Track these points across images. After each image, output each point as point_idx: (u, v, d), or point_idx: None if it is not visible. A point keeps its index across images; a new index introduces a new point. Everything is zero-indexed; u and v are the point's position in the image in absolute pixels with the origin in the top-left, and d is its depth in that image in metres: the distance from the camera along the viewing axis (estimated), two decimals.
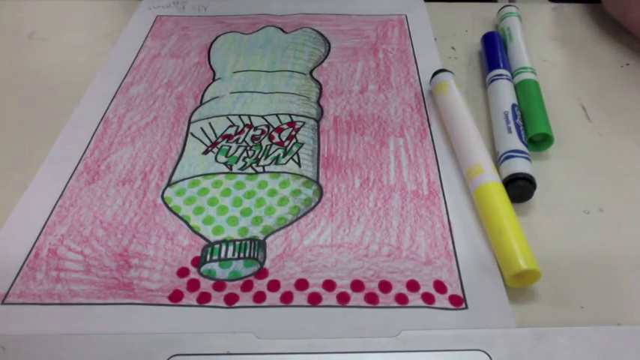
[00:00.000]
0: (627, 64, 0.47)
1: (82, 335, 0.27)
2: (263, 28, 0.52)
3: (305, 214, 0.33)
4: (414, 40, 0.50)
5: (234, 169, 0.36)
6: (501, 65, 0.43)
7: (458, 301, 0.29)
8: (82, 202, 0.34)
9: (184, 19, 0.53)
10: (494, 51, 0.45)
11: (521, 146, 0.35)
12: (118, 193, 0.35)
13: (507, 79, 0.41)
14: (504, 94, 0.40)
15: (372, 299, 0.29)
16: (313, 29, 0.51)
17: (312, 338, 0.27)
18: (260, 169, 0.36)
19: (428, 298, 0.29)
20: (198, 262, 0.31)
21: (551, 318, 0.28)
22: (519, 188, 0.33)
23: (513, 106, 0.38)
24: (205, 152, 0.38)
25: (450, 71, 0.42)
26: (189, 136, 0.39)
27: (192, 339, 0.26)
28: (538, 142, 0.38)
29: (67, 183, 0.35)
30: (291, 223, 0.33)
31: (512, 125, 0.36)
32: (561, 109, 0.42)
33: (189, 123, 0.40)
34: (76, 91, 0.43)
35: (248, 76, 0.45)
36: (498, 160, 0.35)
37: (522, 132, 0.36)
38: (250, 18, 0.53)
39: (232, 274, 0.30)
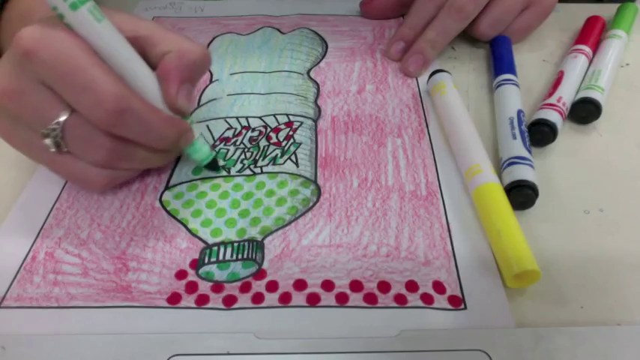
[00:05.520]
0: (627, 64, 0.47)
1: (82, 335, 0.27)
2: (260, 29, 0.51)
3: (303, 214, 0.33)
4: None
5: (232, 172, 0.36)
6: (509, 70, 0.42)
7: (457, 302, 0.28)
8: (80, 204, 0.34)
9: (181, 20, 0.53)
10: (502, 55, 0.45)
11: (525, 153, 0.34)
12: (115, 195, 0.35)
13: (514, 84, 0.41)
14: (511, 99, 0.39)
15: (371, 299, 0.29)
16: (310, 29, 0.51)
17: (311, 338, 0.27)
18: (258, 169, 0.36)
19: (427, 299, 0.29)
20: (196, 264, 0.30)
21: (551, 318, 0.28)
22: (523, 196, 0.33)
23: (519, 112, 0.38)
24: None
25: (447, 71, 0.42)
26: None
27: (192, 339, 0.26)
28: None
29: (64, 185, 0.35)
30: (290, 223, 0.33)
31: (517, 131, 0.36)
32: None
33: None
34: None
35: (245, 78, 0.45)
36: (501, 165, 0.35)
37: (527, 138, 0.36)
38: (247, 19, 0.53)
39: (230, 275, 0.30)
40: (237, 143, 0.38)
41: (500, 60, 0.44)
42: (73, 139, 0.30)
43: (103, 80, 0.28)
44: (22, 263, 0.31)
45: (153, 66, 0.31)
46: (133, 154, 0.31)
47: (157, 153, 0.33)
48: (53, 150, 0.30)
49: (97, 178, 0.32)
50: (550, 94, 0.40)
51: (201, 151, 0.34)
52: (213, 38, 0.50)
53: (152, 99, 0.30)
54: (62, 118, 0.29)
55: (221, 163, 0.37)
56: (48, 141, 0.29)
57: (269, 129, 0.39)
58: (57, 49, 0.27)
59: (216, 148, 0.38)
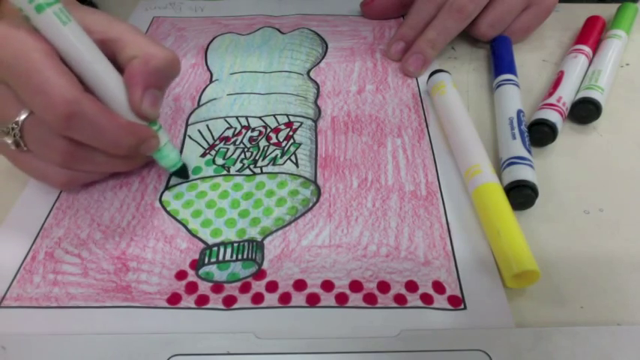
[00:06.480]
0: (627, 64, 0.47)
1: (83, 335, 0.27)
2: (260, 29, 0.51)
3: (303, 214, 0.33)
4: None
5: (232, 170, 0.36)
6: (509, 70, 0.42)
7: (457, 302, 0.28)
8: (80, 204, 0.34)
9: (181, 20, 0.53)
10: (502, 55, 0.45)
11: (525, 153, 0.34)
12: (115, 195, 0.35)
13: (515, 84, 0.41)
14: (511, 99, 0.39)
15: (370, 300, 0.29)
16: (310, 30, 0.51)
17: (311, 338, 0.27)
18: (258, 170, 0.36)
19: (427, 299, 0.29)
20: (196, 264, 0.30)
21: (551, 318, 0.28)
22: (523, 196, 0.33)
23: (519, 112, 0.38)
24: (203, 155, 0.37)
25: (446, 71, 0.42)
26: (187, 138, 0.39)
27: (192, 339, 0.26)
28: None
29: None
30: (289, 223, 0.33)
31: (516, 131, 0.36)
32: None
33: (187, 125, 0.40)
34: None
35: (245, 78, 0.45)
36: (501, 165, 0.35)
37: (527, 138, 0.36)
38: (247, 19, 0.53)
39: (230, 275, 0.30)
40: (237, 142, 0.38)
41: (500, 60, 0.44)
42: (30, 139, 0.30)
43: (56, 84, 0.27)
44: (22, 263, 0.31)
45: (122, 70, 0.31)
46: (91, 157, 0.31)
47: (119, 158, 0.32)
48: (13, 148, 0.30)
49: (57, 177, 0.32)
50: (550, 94, 0.40)
51: (169, 157, 0.34)
52: (213, 38, 0.50)
53: (117, 104, 0.30)
54: (21, 118, 0.29)
55: (220, 162, 0.37)
56: (8, 139, 0.30)
57: (269, 129, 0.39)
58: (16, 50, 0.27)
59: (216, 147, 0.38)
